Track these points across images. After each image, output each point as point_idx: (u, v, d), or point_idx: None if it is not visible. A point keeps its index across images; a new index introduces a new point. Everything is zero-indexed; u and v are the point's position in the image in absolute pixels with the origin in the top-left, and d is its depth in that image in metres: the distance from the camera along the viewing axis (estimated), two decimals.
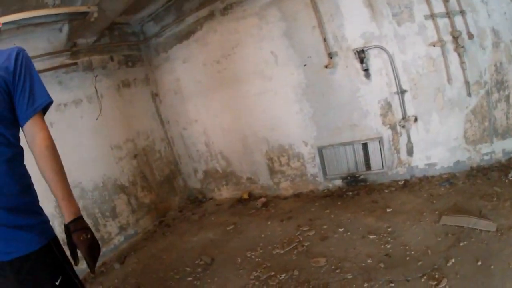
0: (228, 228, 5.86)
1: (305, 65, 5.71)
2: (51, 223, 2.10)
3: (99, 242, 2.14)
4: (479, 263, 3.18)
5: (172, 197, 7.73)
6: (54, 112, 5.39)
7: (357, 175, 5.90)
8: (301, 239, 4.78)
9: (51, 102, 2.14)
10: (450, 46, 4.68)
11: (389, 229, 4.30)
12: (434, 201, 4.60)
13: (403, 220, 4.39)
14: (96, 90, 6.24)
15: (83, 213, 5.56)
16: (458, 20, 4.53)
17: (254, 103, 6.45)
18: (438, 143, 5.16)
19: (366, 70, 5.24)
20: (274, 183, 6.84)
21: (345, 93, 5.55)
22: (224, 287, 4.23)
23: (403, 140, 5.36)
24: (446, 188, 4.84)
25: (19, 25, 4.89)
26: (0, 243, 1.82)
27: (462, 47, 4.55)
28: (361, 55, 5.14)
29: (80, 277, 2.17)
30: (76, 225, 1.99)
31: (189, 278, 4.63)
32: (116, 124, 6.67)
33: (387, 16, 4.90)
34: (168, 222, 6.95)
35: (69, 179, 2.07)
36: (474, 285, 2.95)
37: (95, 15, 4.97)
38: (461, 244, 3.55)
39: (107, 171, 6.36)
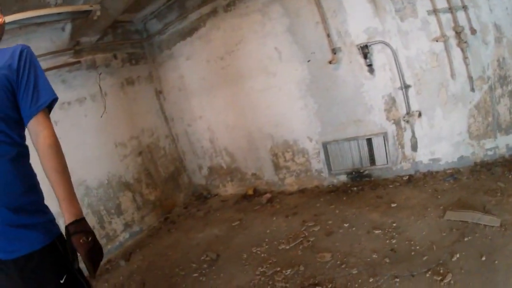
0: (233, 224, 5.87)
1: (309, 61, 5.71)
2: (56, 221, 2.07)
3: (103, 243, 2.08)
4: (484, 258, 3.19)
5: (177, 193, 7.74)
6: (58, 111, 5.38)
7: (361, 171, 5.91)
8: (307, 234, 4.79)
9: (56, 99, 2.11)
10: (453, 42, 4.67)
11: (394, 224, 4.31)
12: (439, 196, 4.61)
13: (407, 215, 4.40)
14: (100, 88, 6.25)
15: (88, 211, 5.65)
16: (461, 15, 4.52)
17: (258, 99, 6.45)
18: (442, 138, 5.16)
19: (369, 66, 5.23)
20: (279, 179, 6.85)
21: (349, 89, 5.54)
22: (229, 283, 4.23)
23: (407, 135, 5.36)
24: (450, 183, 4.85)
25: (21, 25, 4.89)
26: (4, 242, 1.81)
27: (465, 42, 4.54)
28: (364, 50, 5.13)
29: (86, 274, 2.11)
30: (76, 227, 1.88)
31: (195, 274, 4.64)
32: (120, 122, 6.68)
33: (390, 11, 4.88)
34: (173, 219, 6.98)
35: (74, 178, 2.01)
36: (479, 281, 2.96)
37: (98, 13, 4.96)
38: (466, 239, 3.56)
39: (112, 169, 6.38)
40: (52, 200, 1.99)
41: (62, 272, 1.91)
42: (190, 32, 6.80)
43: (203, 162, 7.83)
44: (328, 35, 5.36)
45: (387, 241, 4.02)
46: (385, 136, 5.50)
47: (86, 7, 4.90)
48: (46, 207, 2.05)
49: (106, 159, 6.31)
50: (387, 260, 3.68)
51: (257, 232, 5.33)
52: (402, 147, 5.45)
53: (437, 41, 4.71)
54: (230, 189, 7.63)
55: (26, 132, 2.04)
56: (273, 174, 6.88)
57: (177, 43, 7.07)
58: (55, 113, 2.07)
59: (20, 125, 1.99)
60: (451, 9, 4.51)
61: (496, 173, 4.63)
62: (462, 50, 4.61)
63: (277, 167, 6.76)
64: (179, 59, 7.17)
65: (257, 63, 6.21)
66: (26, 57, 2.02)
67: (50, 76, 5.22)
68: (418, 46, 4.89)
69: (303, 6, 5.46)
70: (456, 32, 4.56)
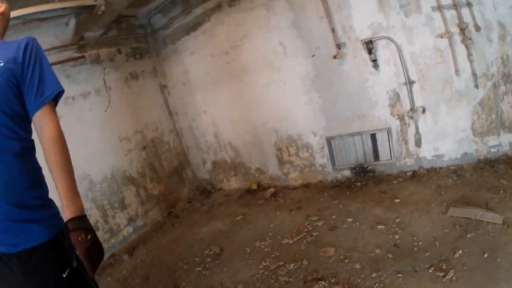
0: (237, 219, 5.89)
1: (313, 56, 5.70)
2: (61, 215, 1.98)
3: (107, 238, 2.03)
4: (486, 255, 3.20)
5: (181, 188, 7.77)
6: (62, 106, 5.39)
7: (365, 166, 5.91)
8: (310, 229, 4.81)
9: (62, 92, 2.06)
10: (457, 38, 4.65)
11: (397, 220, 4.32)
12: (442, 193, 4.61)
13: (411, 211, 4.41)
14: (104, 82, 6.26)
15: (92, 205, 5.67)
16: (465, 12, 4.50)
17: (263, 94, 6.46)
18: (446, 135, 5.16)
19: (374, 61, 5.23)
20: (283, 174, 6.86)
21: (353, 84, 5.54)
22: (233, 277, 4.26)
23: (411, 131, 5.36)
24: (453, 180, 4.85)
25: (25, 20, 4.91)
26: (7, 236, 1.78)
27: (469, 39, 4.52)
28: (369, 45, 5.12)
29: None
30: (76, 224, 1.80)
31: (198, 269, 4.67)
32: (124, 116, 6.71)
33: (395, 7, 4.87)
34: (177, 213, 7.01)
35: (78, 172, 1.95)
36: (481, 277, 2.98)
37: (102, 8, 4.98)
38: (468, 235, 3.57)
39: (116, 163, 6.41)
40: (55, 193, 1.96)
41: (65, 266, 1.87)
42: (194, 26, 6.80)
43: (207, 156, 7.85)
44: (333, 30, 5.35)
45: (390, 237, 4.04)
46: (389, 131, 5.50)
47: (90, 2, 4.91)
48: (51, 201, 2.01)
49: (111, 154, 6.34)
50: (390, 256, 3.69)
51: (261, 226, 5.35)
52: (406, 142, 5.45)
53: (441, 37, 4.70)
54: (234, 183, 7.65)
55: (33, 126, 2.00)
56: (277, 169, 6.89)
57: (182, 38, 7.07)
58: (59, 108, 2.05)
59: (26, 120, 1.95)
60: (455, 6, 4.49)
61: (499, 170, 4.63)
62: (467, 46, 4.59)
63: (281, 161, 6.77)
64: (183, 53, 7.18)
65: (261, 58, 6.21)
66: (31, 50, 2.00)
67: (55, 71, 5.27)
68: (423, 42, 4.88)
69: (308, 1, 5.45)
70: (461, 29, 4.55)
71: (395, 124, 5.43)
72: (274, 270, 4.12)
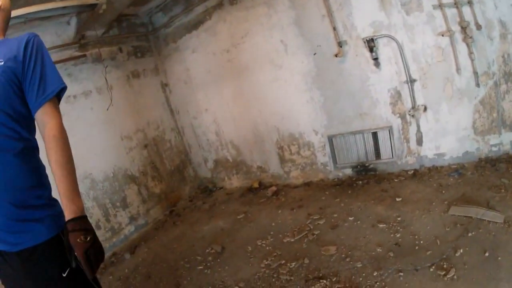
0: (238, 217, 5.90)
1: (315, 54, 5.69)
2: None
3: (108, 236, 2.00)
4: (487, 254, 3.20)
5: (183, 186, 7.78)
6: (64, 104, 5.27)
7: (367, 164, 5.92)
8: (312, 227, 4.81)
9: (64, 88, 2.02)
10: (458, 36, 4.64)
11: (398, 218, 4.32)
12: (443, 191, 4.61)
13: (412, 210, 4.41)
14: (106, 81, 6.25)
15: (94, 204, 5.68)
16: (466, 10, 4.48)
17: (264, 92, 6.45)
18: (447, 133, 5.15)
19: (375, 59, 5.22)
20: (284, 172, 6.86)
21: (355, 82, 5.54)
22: (234, 276, 4.26)
23: (412, 129, 5.35)
24: (455, 179, 4.84)
25: (26, 19, 4.90)
26: (9, 235, 1.79)
27: (471, 37, 4.51)
28: (370, 44, 5.12)
29: None
30: (75, 225, 1.75)
31: (200, 267, 4.68)
32: (126, 115, 6.71)
33: (396, 5, 4.86)
34: (179, 212, 7.02)
35: (79, 171, 1.91)
36: (482, 276, 2.98)
37: (104, 7, 4.98)
38: (469, 234, 3.57)
39: (118, 162, 6.42)
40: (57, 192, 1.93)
41: (66, 265, 1.84)
42: (196, 25, 6.80)
43: (208, 155, 7.85)
44: (334, 28, 5.35)
45: (392, 235, 4.04)
46: (390, 130, 5.50)
47: (92, 1, 4.91)
48: (55, 200, 1.99)
49: (112, 152, 6.35)
50: (392, 254, 3.70)
51: (262, 225, 5.36)
52: (408, 141, 5.45)
53: (442, 35, 4.69)
54: (235, 182, 7.66)
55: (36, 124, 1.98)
56: (279, 167, 6.89)
57: (183, 36, 7.07)
58: (61, 106, 2.02)
59: (29, 119, 1.93)
60: (456, 4, 4.48)
61: (500, 169, 4.62)
62: (468, 45, 4.58)
63: (282, 160, 6.78)
64: (185, 52, 7.18)
65: (263, 56, 6.20)
66: (32, 47, 1.98)
67: None
68: (424, 40, 4.87)
69: None
70: (462, 27, 4.53)
71: (396, 122, 5.43)
72: (275, 268, 4.12)
